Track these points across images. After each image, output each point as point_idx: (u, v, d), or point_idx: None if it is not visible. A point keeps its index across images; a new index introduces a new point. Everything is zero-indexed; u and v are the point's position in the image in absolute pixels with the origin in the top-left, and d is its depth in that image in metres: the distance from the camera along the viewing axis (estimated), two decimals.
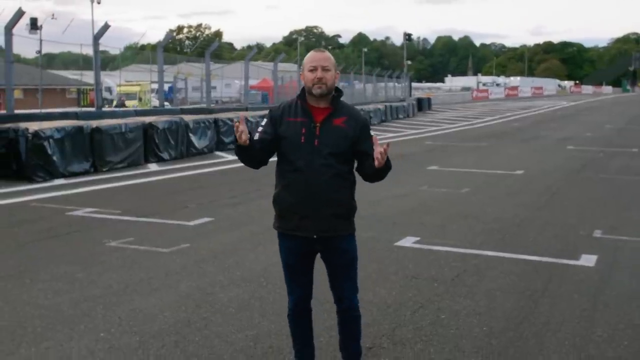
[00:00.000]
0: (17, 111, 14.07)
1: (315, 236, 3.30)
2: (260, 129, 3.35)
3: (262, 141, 3.32)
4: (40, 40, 16.03)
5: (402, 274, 5.75)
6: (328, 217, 3.29)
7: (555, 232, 7.57)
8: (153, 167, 14.08)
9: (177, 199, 9.84)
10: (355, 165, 3.41)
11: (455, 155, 16.39)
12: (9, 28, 13.49)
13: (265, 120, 3.39)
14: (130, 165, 13.85)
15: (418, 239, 7.11)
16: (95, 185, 11.34)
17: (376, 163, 3.17)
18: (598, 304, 5.03)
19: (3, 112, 14.40)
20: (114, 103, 31.53)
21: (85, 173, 12.61)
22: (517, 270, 5.93)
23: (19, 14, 13.61)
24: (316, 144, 3.26)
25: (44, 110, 16.31)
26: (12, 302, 4.95)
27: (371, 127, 16.63)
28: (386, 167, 3.24)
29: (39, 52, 17.11)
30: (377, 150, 3.16)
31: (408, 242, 6.98)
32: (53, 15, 18.65)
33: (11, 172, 11.79)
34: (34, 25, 18.14)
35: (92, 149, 13.08)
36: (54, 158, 12.05)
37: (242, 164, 3.43)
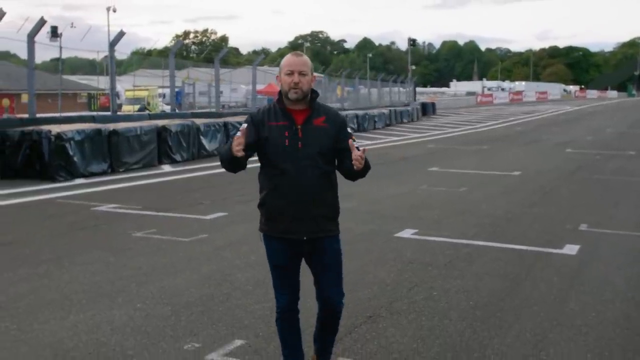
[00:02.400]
0: (38, 115, 14.75)
1: (305, 237, 3.36)
2: (239, 134, 3.26)
3: (247, 146, 3.27)
4: (60, 48, 16.72)
5: (399, 260, 6.39)
6: (317, 218, 3.36)
7: (543, 225, 8.19)
8: (167, 168, 14.76)
9: (192, 197, 10.50)
10: (336, 163, 3.48)
11: (456, 158, 17.00)
12: (32, 36, 14.18)
13: (244, 125, 3.34)
14: (145, 166, 14.55)
15: (416, 231, 7.74)
16: (114, 184, 12.02)
17: (355, 166, 3.26)
18: (574, 285, 5.67)
19: (25, 115, 15.08)
20: (135, 108, 32.35)
21: (103, 173, 13.29)
22: (505, 257, 6.57)
23: (41, 22, 14.29)
24: (300, 146, 3.32)
25: (63, 114, 16.99)
26: (56, 281, 5.63)
27: (376, 130, 17.57)
28: (365, 167, 3.32)
29: (59, 59, 17.83)
30: (356, 154, 3.23)
31: (407, 233, 7.62)
32: (72, 24, 19.30)
33: (35, 172, 12.48)
34: (54, 33, 18.87)
35: (109, 151, 13.78)
36: (75, 159, 12.74)
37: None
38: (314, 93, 3.39)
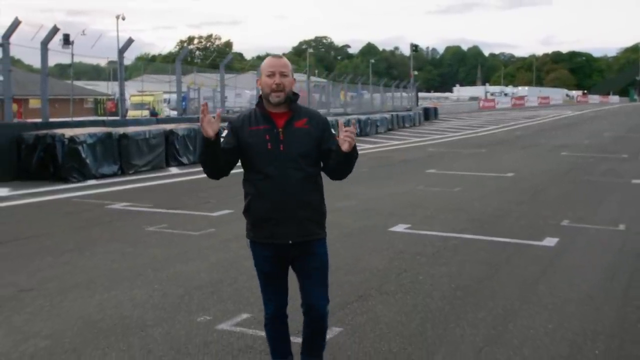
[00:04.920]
0: (51, 119, 15.39)
1: (290, 242, 3.32)
2: (221, 139, 3.34)
3: (225, 150, 3.32)
4: (72, 55, 17.41)
5: (391, 250, 6.98)
6: (302, 221, 3.32)
7: (528, 221, 8.76)
8: (174, 170, 15.39)
9: (199, 196, 11.11)
10: (322, 165, 3.45)
11: (454, 160, 17.57)
12: (45, 43, 14.83)
13: (225, 131, 3.38)
14: (153, 168, 15.20)
15: (409, 225, 8.33)
16: (125, 185, 12.65)
17: (345, 147, 3.21)
18: (547, 271, 6.24)
19: (36, 120, 15.72)
20: (143, 113, 33.23)
21: (114, 175, 13.93)
22: (488, 248, 7.15)
23: (54, 30, 14.96)
24: (282, 149, 3.29)
25: (75, 119, 17.66)
26: (80, 267, 6.24)
27: (378, 135, 18.42)
28: (353, 154, 3.28)
29: (71, 65, 18.53)
30: (344, 133, 3.21)
31: (400, 228, 8.21)
32: (83, 31, 19.98)
33: (49, 173, 13.11)
34: (66, 40, 19.58)
35: (119, 153, 14.42)
36: (87, 161, 13.38)
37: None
38: (294, 95, 3.37)
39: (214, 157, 3.30)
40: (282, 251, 3.37)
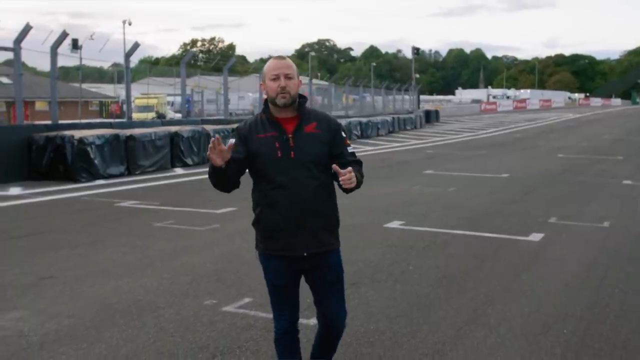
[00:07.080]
0: (60, 121, 15.88)
1: (305, 254, 3.18)
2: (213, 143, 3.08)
3: (236, 161, 3.13)
4: (80, 58, 17.90)
5: (385, 244, 7.44)
6: (316, 231, 3.18)
7: (518, 219, 9.20)
8: (179, 170, 15.87)
9: (204, 195, 11.55)
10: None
11: (451, 162, 18.01)
12: (54, 48, 15.32)
13: (232, 139, 3.13)
14: (159, 169, 15.68)
15: (403, 222, 8.78)
16: (132, 184, 13.13)
17: (346, 186, 3.11)
18: (530, 263, 6.69)
19: (49, 122, 16.19)
20: (149, 116, 33.90)
21: (121, 175, 14.41)
22: (476, 243, 7.60)
23: (63, 35, 15.46)
24: (293, 156, 3.14)
25: (83, 121, 18.16)
26: (94, 259, 6.72)
27: (379, 137, 18.94)
28: (355, 188, 3.18)
29: (79, 68, 19.04)
30: (343, 178, 3.08)
31: (395, 224, 8.66)
32: (92, 35, 20.51)
33: (59, 173, 13.59)
34: (75, 45, 20.12)
35: (126, 154, 14.90)
36: (96, 162, 13.86)
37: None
38: (301, 98, 3.20)
39: (224, 178, 3.15)
40: (295, 263, 3.22)
